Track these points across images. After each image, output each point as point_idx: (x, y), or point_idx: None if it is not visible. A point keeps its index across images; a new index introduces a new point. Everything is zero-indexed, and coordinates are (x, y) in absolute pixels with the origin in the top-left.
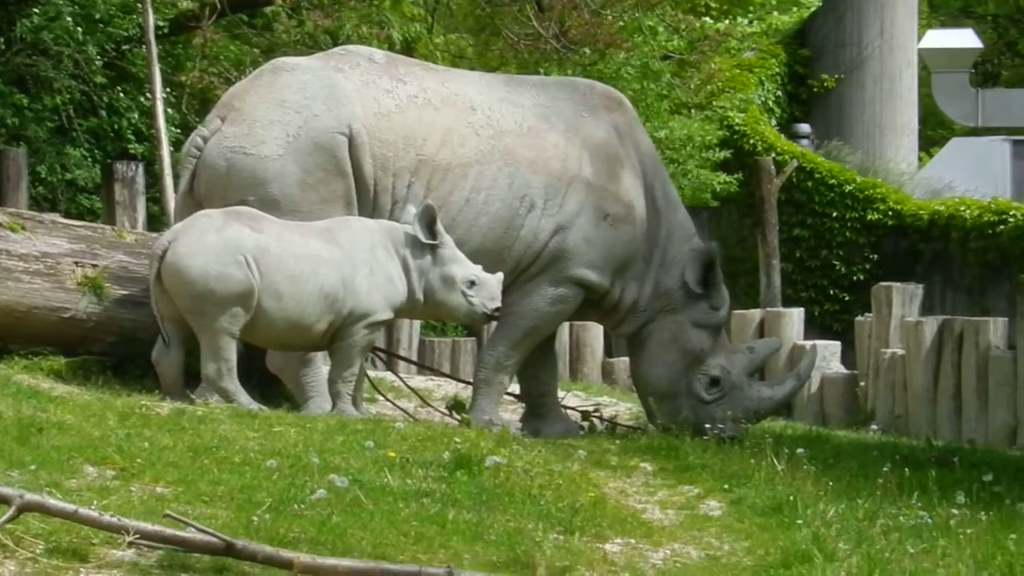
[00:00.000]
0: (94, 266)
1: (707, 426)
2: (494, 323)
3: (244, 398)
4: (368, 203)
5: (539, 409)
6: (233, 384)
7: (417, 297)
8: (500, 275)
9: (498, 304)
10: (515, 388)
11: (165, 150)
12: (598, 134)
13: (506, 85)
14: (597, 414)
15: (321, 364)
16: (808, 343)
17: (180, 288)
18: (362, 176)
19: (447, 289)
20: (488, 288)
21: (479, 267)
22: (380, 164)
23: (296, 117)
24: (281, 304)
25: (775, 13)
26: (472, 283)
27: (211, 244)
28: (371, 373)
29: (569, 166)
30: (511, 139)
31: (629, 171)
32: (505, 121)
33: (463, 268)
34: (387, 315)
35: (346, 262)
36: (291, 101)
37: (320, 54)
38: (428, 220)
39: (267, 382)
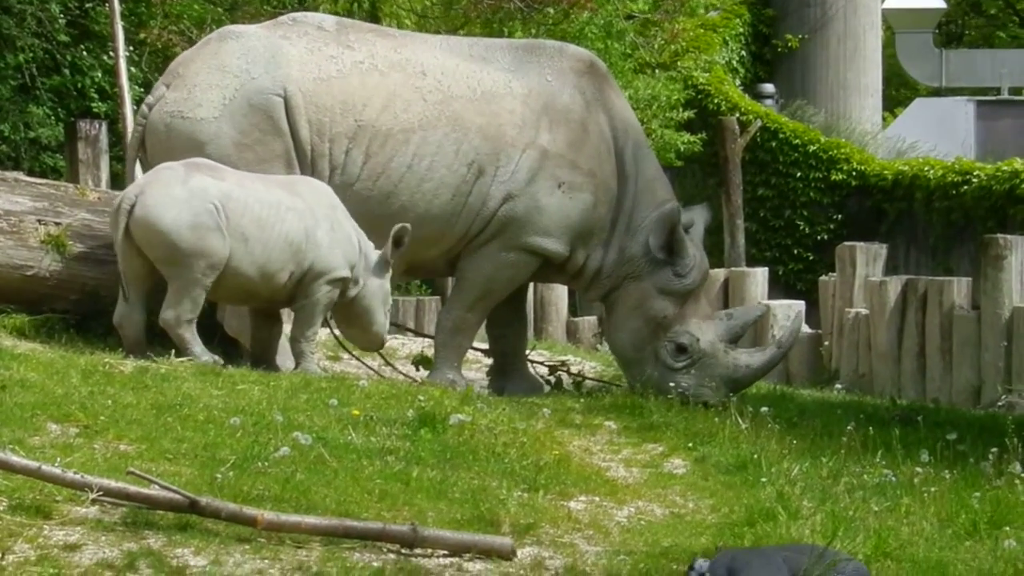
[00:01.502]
0: (57, 224)
1: (671, 384)
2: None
3: (199, 348)
4: (307, 168)
5: (505, 367)
6: (190, 333)
7: (360, 282)
8: None
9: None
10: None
11: (128, 108)
12: (561, 99)
13: (470, 49)
14: (565, 368)
15: (281, 323)
16: (776, 303)
17: (153, 239)
18: (299, 141)
19: (381, 300)
20: (388, 321)
21: None
22: (316, 129)
23: (234, 81)
24: (248, 247)
25: None
26: (390, 310)
27: (179, 195)
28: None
29: (525, 132)
30: (461, 104)
31: (594, 138)
32: (457, 86)
33: (390, 296)
34: (346, 272)
35: (308, 214)
36: (231, 66)
37: (269, 22)
38: (396, 239)
39: (229, 340)
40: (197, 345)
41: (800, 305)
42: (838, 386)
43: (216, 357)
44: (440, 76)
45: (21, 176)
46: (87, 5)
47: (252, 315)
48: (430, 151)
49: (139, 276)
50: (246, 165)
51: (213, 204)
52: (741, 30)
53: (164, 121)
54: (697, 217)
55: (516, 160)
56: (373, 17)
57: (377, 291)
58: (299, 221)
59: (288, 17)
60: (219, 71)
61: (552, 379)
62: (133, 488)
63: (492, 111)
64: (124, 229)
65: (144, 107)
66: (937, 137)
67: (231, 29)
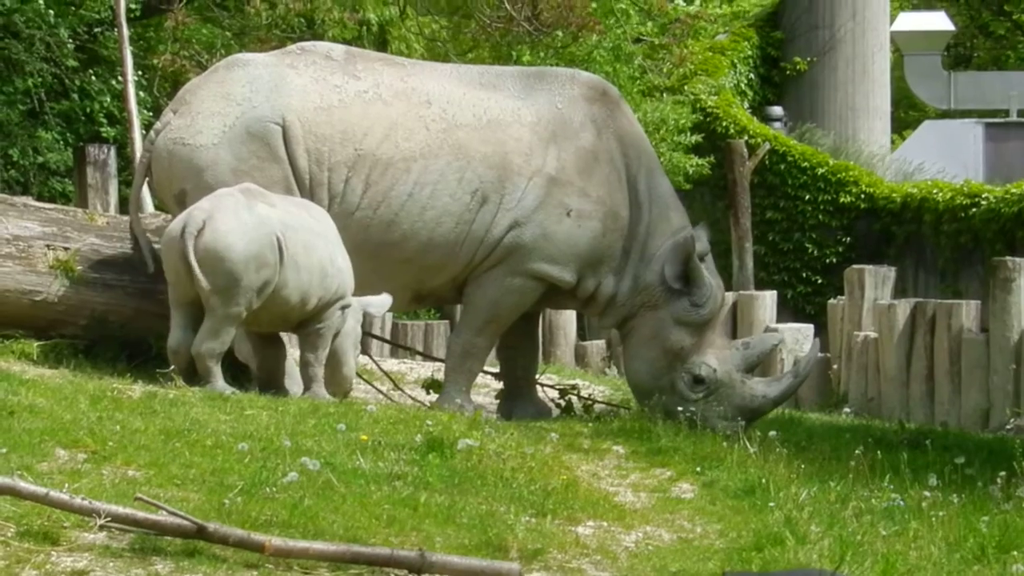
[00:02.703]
0: (66, 249)
1: (679, 408)
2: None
3: (221, 383)
4: (306, 197)
5: (514, 391)
6: (218, 367)
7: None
8: None
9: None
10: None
11: (137, 133)
12: (571, 127)
13: (480, 77)
14: (576, 392)
15: (287, 349)
16: (785, 326)
17: (218, 267)
18: (297, 169)
19: (353, 343)
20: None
21: None
22: (315, 159)
23: (236, 109)
24: (299, 274)
25: None
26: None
27: (248, 223)
28: None
29: (532, 160)
30: (465, 133)
31: (605, 165)
32: (462, 115)
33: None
34: (351, 300)
35: (328, 239)
36: (235, 94)
37: (278, 51)
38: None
39: (238, 366)
40: (221, 379)
41: (810, 329)
42: (846, 410)
43: (235, 391)
44: (445, 105)
45: (30, 201)
46: (96, 30)
47: (255, 340)
48: (432, 179)
49: (194, 302)
50: None
51: (277, 236)
52: (749, 53)
53: (167, 147)
54: (701, 239)
55: (523, 188)
56: (382, 41)
57: (351, 333)
58: (325, 246)
59: (298, 46)
60: (223, 99)
61: (562, 403)
62: (141, 514)
63: (498, 139)
64: (189, 254)
65: (152, 133)
66: (946, 159)
67: (240, 57)
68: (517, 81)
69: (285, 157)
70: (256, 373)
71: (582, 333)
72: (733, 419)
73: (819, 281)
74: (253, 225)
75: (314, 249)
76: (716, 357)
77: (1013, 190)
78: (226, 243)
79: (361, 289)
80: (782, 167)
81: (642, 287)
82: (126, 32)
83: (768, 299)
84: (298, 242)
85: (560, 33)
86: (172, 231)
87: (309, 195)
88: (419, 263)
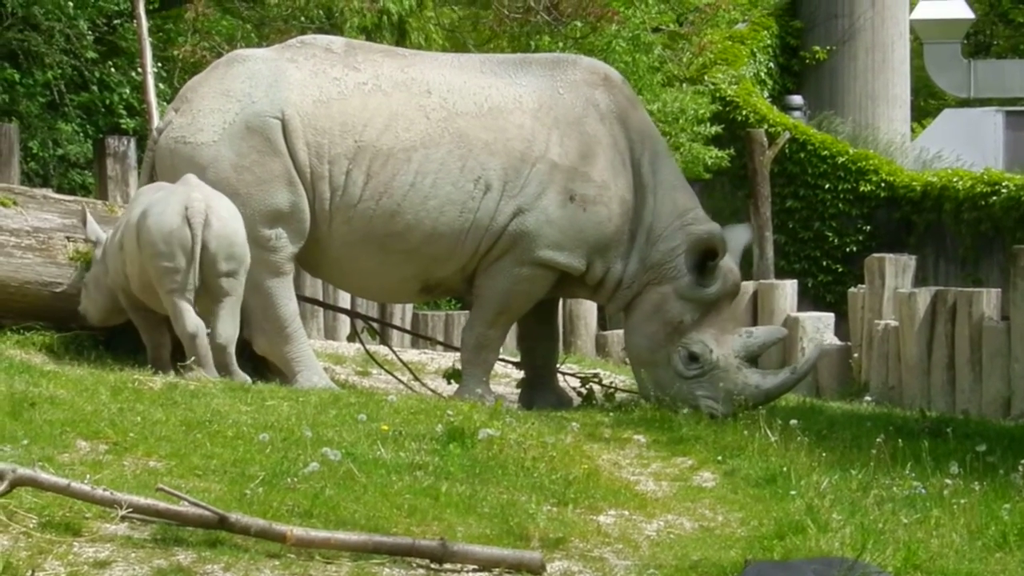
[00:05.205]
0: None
1: (679, 391)
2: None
3: (241, 373)
4: (308, 190)
5: (535, 381)
6: (233, 352)
7: None
8: None
9: None
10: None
11: (156, 125)
12: (573, 112)
13: (481, 66)
14: (596, 379)
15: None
16: (805, 315)
17: (233, 251)
18: (298, 163)
19: None
20: None
21: None
22: (315, 152)
23: (235, 105)
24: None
25: None
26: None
27: (233, 208)
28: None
29: (534, 147)
30: (466, 121)
31: (608, 150)
32: (463, 103)
33: None
34: None
35: None
36: (235, 91)
37: (278, 45)
38: None
39: (258, 357)
40: (238, 371)
41: (830, 318)
42: (868, 398)
43: (255, 380)
44: (446, 94)
45: (50, 193)
46: (115, 22)
47: (155, 323)
48: (433, 168)
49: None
50: (246, 187)
51: None
52: (769, 42)
53: (169, 147)
54: (740, 238)
55: (525, 174)
56: (402, 32)
57: None
58: None
59: (298, 40)
60: (223, 96)
61: (583, 392)
62: (163, 504)
63: (499, 126)
64: (203, 242)
65: (155, 132)
66: (965, 148)
67: (240, 53)
68: (519, 68)
69: (285, 151)
70: (161, 353)
71: (603, 323)
72: (724, 403)
73: (839, 270)
74: (236, 210)
75: None
76: (716, 339)
77: None
78: (234, 227)
79: (369, 281)
80: (802, 156)
81: (648, 267)
82: (145, 23)
83: (788, 288)
84: None
85: (579, 23)
86: (171, 220)
87: (311, 188)
88: (424, 253)
